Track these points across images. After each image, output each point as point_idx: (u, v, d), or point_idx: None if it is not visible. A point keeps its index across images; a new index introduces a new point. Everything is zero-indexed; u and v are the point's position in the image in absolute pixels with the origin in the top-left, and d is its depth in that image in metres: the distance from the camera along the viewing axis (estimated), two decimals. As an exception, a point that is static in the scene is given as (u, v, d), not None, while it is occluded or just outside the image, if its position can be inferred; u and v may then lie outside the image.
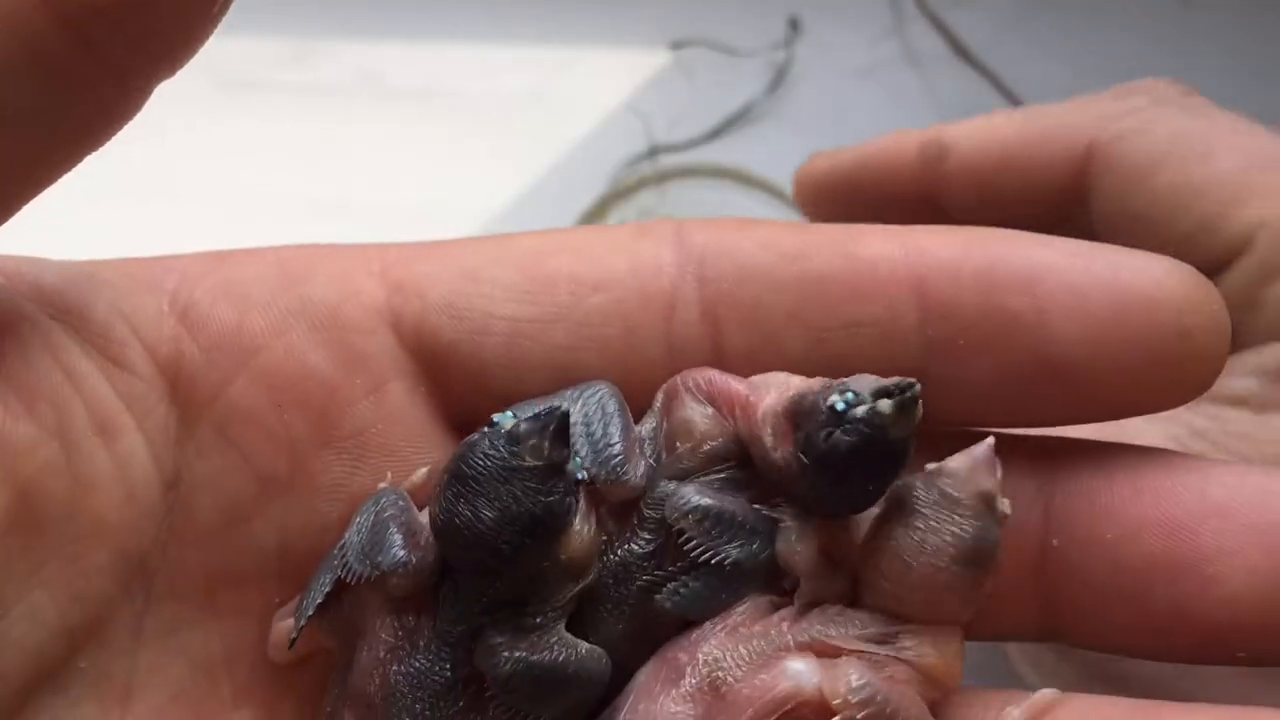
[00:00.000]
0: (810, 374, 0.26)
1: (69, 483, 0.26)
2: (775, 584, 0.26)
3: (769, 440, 0.26)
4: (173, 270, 0.28)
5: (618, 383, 0.27)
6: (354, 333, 0.27)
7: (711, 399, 0.27)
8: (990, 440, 0.25)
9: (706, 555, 0.25)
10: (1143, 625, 0.26)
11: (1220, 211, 0.38)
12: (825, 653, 0.25)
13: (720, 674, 0.25)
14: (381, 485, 0.27)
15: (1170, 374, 0.26)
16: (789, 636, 0.25)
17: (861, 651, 0.25)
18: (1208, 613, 0.25)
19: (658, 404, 0.27)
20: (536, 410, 0.25)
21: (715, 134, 0.68)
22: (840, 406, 0.24)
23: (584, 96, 0.70)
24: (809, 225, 0.28)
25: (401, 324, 0.28)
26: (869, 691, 0.24)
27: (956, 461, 0.25)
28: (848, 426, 0.24)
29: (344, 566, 0.26)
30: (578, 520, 0.25)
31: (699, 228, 0.28)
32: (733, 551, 0.26)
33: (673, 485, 0.26)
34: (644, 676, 0.26)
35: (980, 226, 0.27)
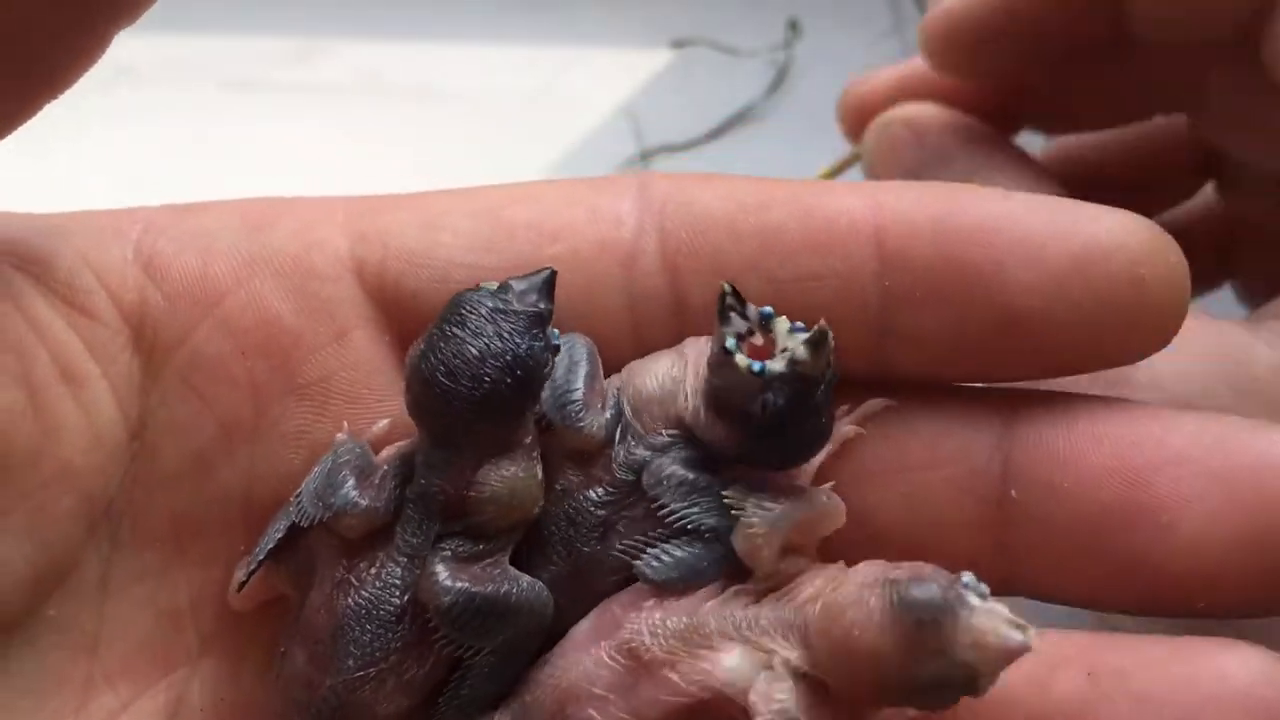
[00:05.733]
0: None
1: (34, 429, 0.26)
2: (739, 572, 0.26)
3: (702, 428, 0.26)
4: (137, 220, 0.28)
5: (577, 329, 0.27)
6: (317, 280, 0.28)
7: None
8: (1026, 643, 0.23)
9: (683, 521, 0.26)
10: (1101, 575, 0.26)
11: None
12: (750, 644, 0.25)
13: (642, 644, 0.25)
14: (339, 436, 0.27)
15: (1126, 325, 0.26)
16: (710, 618, 0.25)
17: (786, 659, 0.24)
18: (1165, 561, 0.25)
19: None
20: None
21: (715, 134, 0.68)
22: (757, 369, 0.24)
23: (584, 96, 0.70)
24: (770, 179, 0.28)
25: (364, 272, 0.28)
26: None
27: (991, 631, 0.22)
28: (775, 386, 0.24)
29: (299, 511, 0.26)
30: (523, 461, 0.26)
31: (661, 180, 0.28)
32: (708, 520, 0.26)
33: (649, 454, 0.26)
34: (582, 628, 0.26)
35: (944, 181, 0.27)
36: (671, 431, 0.27)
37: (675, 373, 0.27)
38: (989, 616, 0.22)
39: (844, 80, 0.70)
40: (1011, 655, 0.22)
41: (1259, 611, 0.25)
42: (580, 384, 0.26)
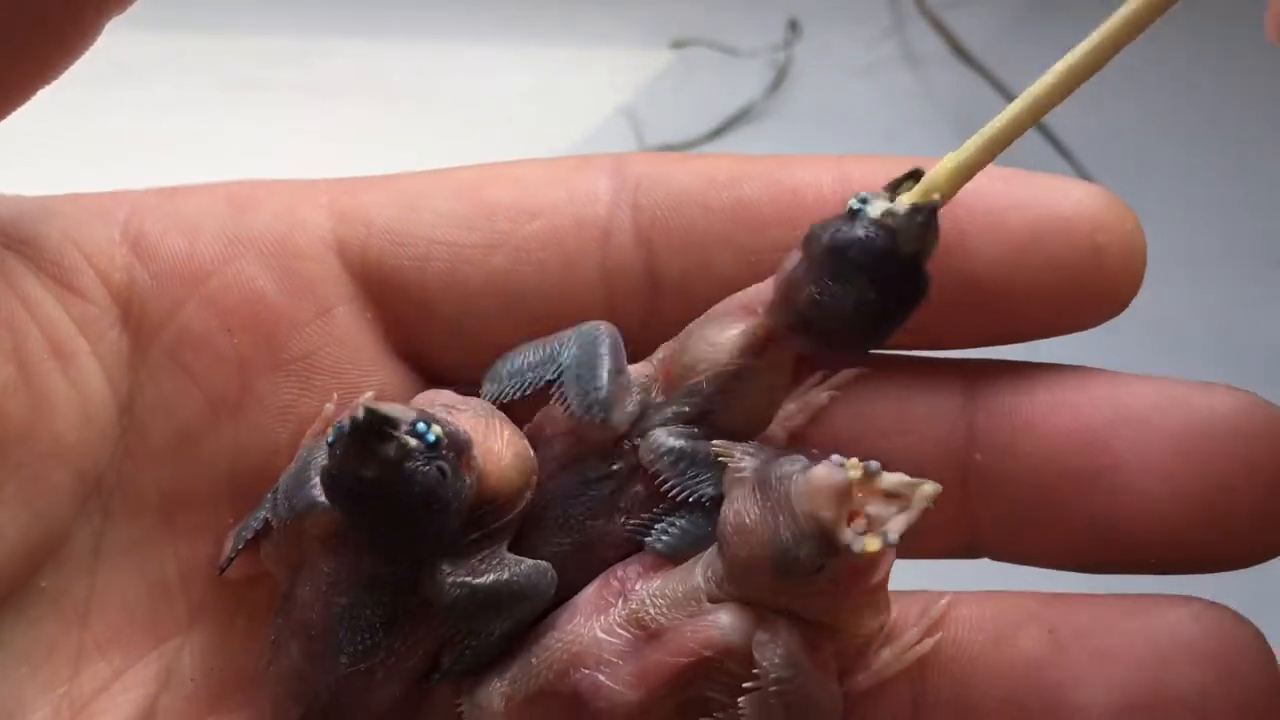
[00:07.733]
0: None
1: (26, 404, 0.26)
2: None
3: (785, 264, 0.26)
4: (123, 202, 0.29)
5: (556, 307, 0.28)
6: (301, 259, 0.28)
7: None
8: (847, 477, 0.24)
9: (683, 494, 0.26)
10: (1061, 536, 0.27)
11: None
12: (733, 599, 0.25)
13: (646, 612, 0.26)
14: (327, 405, 0.28)
15: (1085, 293, 0.27)
16: (700, 580, 0.25)
17: (795, 615, 0.25)
18: (1121, 521, 0.26)
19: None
20: (341, 425, 0.24)
21: (715, 134, 0.68)
22: (855, 205, 0.25)
23: (584, 96, 0.70)
24: (745, 156, 0.29)
25: (347, 251, 0.29)
26: (788, 673, 0.24)
27: (815, 472, 0.24)
28: (859, 223, 0.25)
29: (272, 509, 0.27)
30: (499, 448, 0.26)
31: (637, 159, 0.29)
32: (707, 489, 0.26)
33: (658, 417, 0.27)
34: (586, 595, 0.27)
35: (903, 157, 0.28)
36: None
37: (733, 333, 0.27)
38: (819, 467, 0.23)
39: (844, 80, 0.70)
40: (834, 490, 0.23)
41: (1213, 568, 0.26)
42: (605, 379, 0.27)
